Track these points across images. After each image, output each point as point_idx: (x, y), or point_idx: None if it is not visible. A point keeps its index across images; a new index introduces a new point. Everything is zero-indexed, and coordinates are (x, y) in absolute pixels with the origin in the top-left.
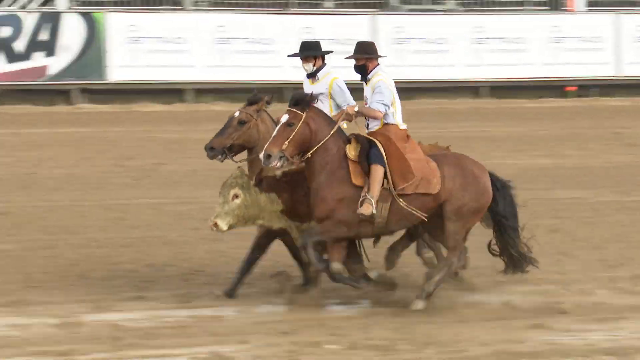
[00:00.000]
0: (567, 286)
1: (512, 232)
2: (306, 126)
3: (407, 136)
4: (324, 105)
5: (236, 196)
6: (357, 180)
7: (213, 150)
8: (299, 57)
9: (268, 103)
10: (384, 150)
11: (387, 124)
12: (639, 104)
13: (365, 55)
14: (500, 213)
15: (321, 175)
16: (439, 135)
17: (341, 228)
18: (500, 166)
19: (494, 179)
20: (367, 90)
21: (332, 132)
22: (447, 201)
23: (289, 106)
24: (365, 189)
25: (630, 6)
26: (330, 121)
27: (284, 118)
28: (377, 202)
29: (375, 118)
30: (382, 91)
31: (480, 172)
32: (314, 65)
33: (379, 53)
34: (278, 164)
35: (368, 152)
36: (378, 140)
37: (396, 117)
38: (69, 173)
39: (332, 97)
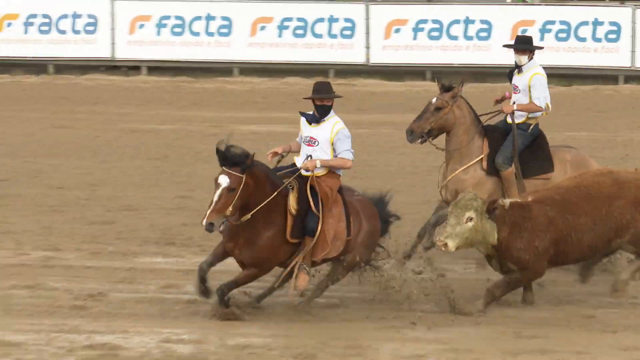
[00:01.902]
0: None
1: None
2: (247, 187)
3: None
4: (525, 98)
5: (470, 219)
6: (293, 237)
7: (412, 134)
8: (512, 49)
9: (462, 83)
10: (323, 207)
11: (333, 172)
12: None
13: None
14: None
15: (258, 224)
16: None
17: (261, 274)
18: None
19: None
20: (314, 131)
21: (274, 194)
22: (347, 254)
23: (226, 166)
24: (300, 257)
25: None
26: (274, 178)
27: (224, 181)
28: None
29: (347, 168)
30: (347, 139)
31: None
32: (528, 59)
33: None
34: (221, 228)
35: (305, 214)
36: (322, 194)
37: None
38: None
39: (530, 90)
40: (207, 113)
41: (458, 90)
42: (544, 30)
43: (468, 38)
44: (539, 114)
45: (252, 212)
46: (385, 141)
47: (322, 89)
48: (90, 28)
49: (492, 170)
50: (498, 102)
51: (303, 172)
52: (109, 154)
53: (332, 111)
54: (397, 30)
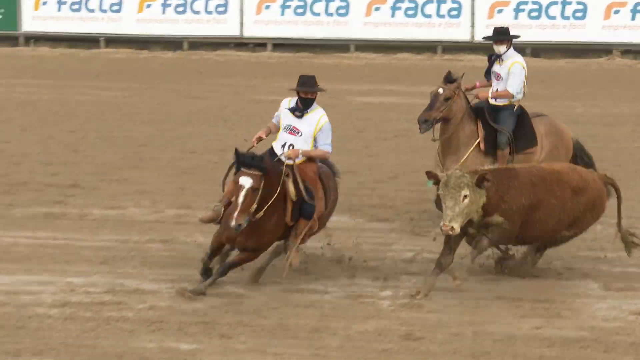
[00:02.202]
0: None
1: None
2: (265, 184)
3: None
4: (502, 86)
5: (465, 197)
6: (290, 221)
7: (426, 122)
8: (492, 40)
9: (463, 74)
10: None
11: (313, 161)
12: None
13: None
14: None
15: (265, 213)
16: None
17: (258, 256)
18: None
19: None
20: (298, 122)
21: (280, 185)
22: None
23: (248, 168)
24: (293, 237)
25: None
26: (277, 169)
27: (247, 182)
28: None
29: (325, 159)
30: (329, 132)
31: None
32: (507, 48)
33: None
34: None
35: (302, 200)
36: (309, 179)
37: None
38: None
39: (509, 77)
40: (325, 86)
41: (460, 82)
42: (635, 11)
43: (565, 18)
44: (516, 98)
45: (267, 205)
46: None
47: (308, 82)
48: (222, 9)
49: (490, 149)
50: (468, 90)
51: (284, 160)
52: (237, 122)
53: (314, 103)
54: (500, 11)
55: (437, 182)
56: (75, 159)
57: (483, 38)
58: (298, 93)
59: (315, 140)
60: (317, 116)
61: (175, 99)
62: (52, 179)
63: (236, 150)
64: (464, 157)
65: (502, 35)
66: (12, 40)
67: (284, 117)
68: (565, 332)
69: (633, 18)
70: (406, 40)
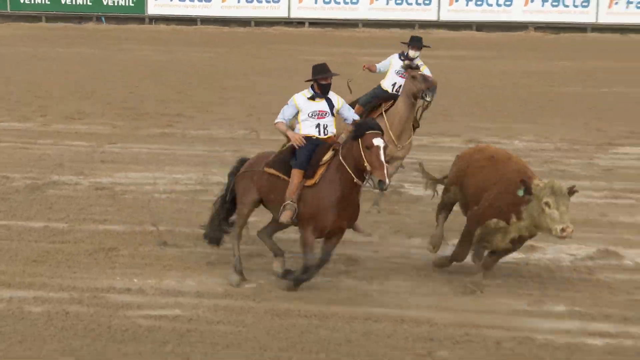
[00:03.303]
0: None
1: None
2: None
3: None
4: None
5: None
6: None
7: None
8: (407, 45)
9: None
10: None
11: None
12: None
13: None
14: None
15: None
16: None
17: None
18: None
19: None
20: (322, 105)
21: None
22: None
23: (375, 131)
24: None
25: None
26: None
27: (381, 142)
28: None
29: None
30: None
31: None
32: (418, 54)
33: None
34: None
35: None
36: None
37: None
38: None
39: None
40: (338, 50)
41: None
42: (544, 0)
43: (498, 5)
44: None
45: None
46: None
47: (324, 69)
48: None
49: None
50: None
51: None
52: (290, 74)
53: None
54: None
55: (529, 192)
56: (179, 98)
57: (402, 43)
58: (317, 81)
59: (340, 115)
60: (334, 97)
61: (248, 59)
62: (165, 110)
63: (354, 121)
64: (410, 137)
65: (418, 42)
66: (140, 20)
67: (306, 107)
68: None
69: (543, 5)
70: (395, 20)
